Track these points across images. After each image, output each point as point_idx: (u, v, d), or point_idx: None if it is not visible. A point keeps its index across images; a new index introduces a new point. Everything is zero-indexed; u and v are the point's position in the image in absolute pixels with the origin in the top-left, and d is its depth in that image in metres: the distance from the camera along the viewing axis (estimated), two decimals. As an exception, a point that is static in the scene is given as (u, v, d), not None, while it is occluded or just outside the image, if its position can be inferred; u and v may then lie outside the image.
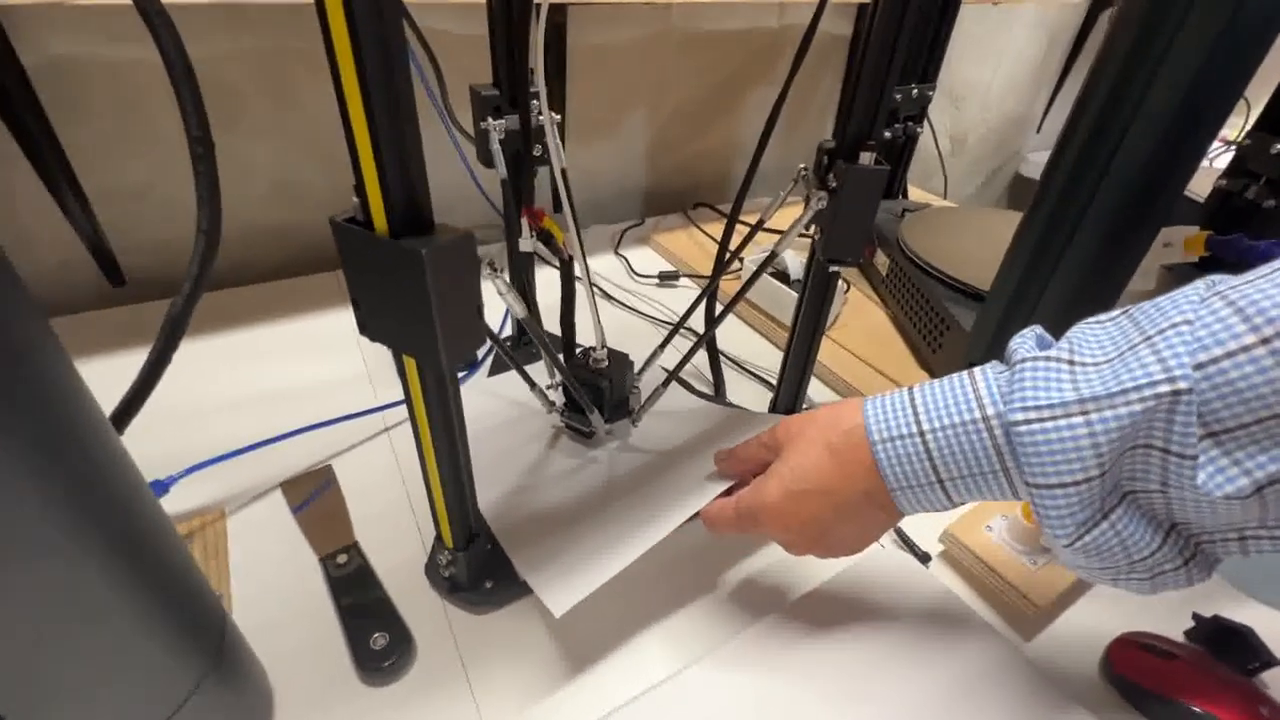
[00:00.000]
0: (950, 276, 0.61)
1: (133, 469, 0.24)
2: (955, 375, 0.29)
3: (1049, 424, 0.25)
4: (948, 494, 0.29)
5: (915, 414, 0.29)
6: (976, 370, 0.29)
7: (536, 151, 0.46)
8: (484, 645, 0.38)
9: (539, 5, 0.34)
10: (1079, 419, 0.24)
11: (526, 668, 0.37)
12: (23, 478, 0.19)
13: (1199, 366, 0.22)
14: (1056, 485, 0.25)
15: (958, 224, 0.74)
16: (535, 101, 0.43)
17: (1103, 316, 0.27)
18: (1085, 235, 0.42)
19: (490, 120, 0.43)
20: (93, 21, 0.56)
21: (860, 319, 0.70)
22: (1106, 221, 0.42)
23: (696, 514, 0.39)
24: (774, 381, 0.50)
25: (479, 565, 0.39)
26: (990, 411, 0.27)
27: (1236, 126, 0.63)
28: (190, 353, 0.34)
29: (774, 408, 0.50)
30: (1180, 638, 0.39)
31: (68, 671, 0.22)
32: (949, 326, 0.58)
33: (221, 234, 0.33)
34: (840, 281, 0.67)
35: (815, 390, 0.60)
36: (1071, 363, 0.25)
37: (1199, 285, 0.24)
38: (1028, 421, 0.25)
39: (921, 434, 0.29)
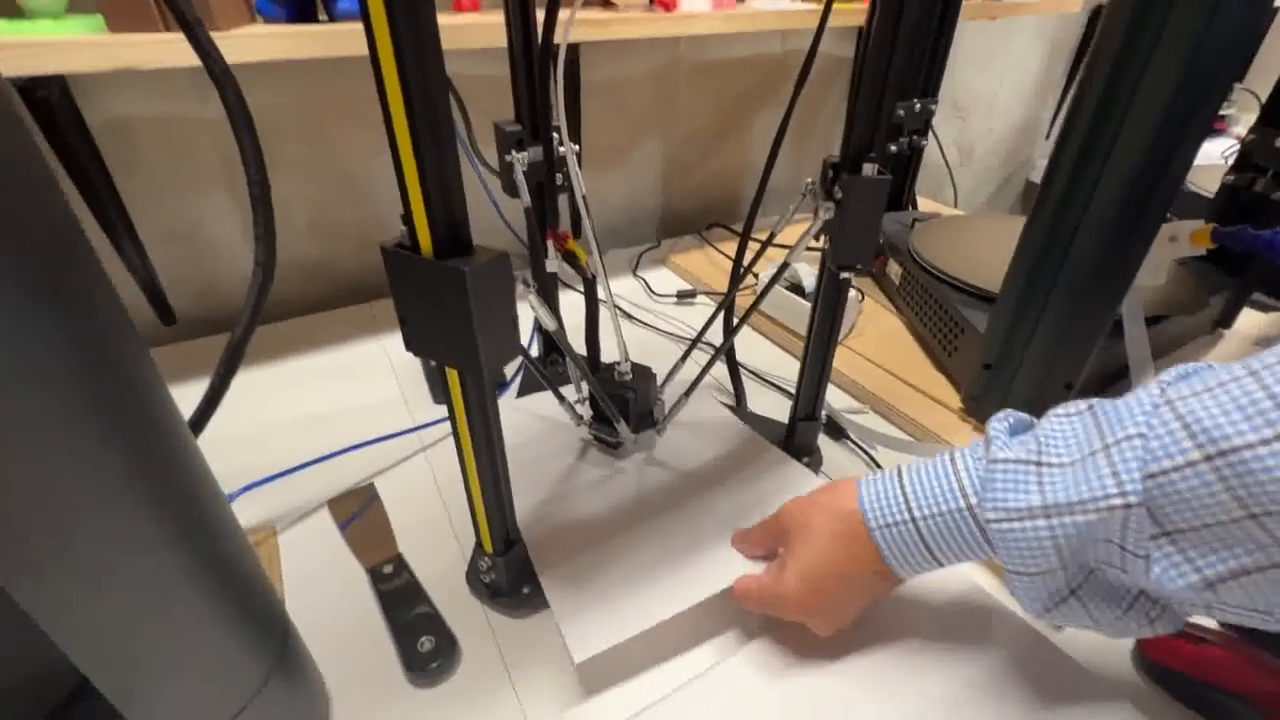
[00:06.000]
0: (961, 281, 0.63)
1: (211, 478, 0.27)
2: (939, 461, 0.33)
3: (1016, 524, 0.28)
4: (939, 562, 0.33)
5: (906, 501, 0.33)
6: (957, 456, 0.32)
7: (557, 180, 0.49)
8: (525, 647, 0.39)
9: (558, 45, 0.37)
10: (1043, 522, 0.27)
11: (567, 668, 0.38)
12: (128, 483, 0.21)
13: (1150, 476, 0.24)
14: (1024, 573, 0.29)
15: (966, 230, 0.75)
16: (555, 134, 0.47)
17: (1070, 409, 0.30)
18: (1087, 231, 0.44)
19: (514, 153, 0.46)
20: (149, 84, 0.61)
21: (876, 327, 0.71)
22: (1107, 217, 0.43)
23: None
24: (793, 391, 0.51)
25: (517, 570, 0.41)
26: (974, 500, 0.30)
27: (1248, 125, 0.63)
28: (236, 383, 0.37)
29: (794, 415, 0.52)
30: (1213, 624, 0.39)
31: (157, 657, 0.24)
32: (962, 330, 0.59)
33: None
34: (855, 292, 0.69)
35: (835, 397, 0.61)
36: (1039, 464, 0.28)
37: (1153, 390, 0.26)
38: (998, 521, 0.29)
39: (914, 520, 0.32)
